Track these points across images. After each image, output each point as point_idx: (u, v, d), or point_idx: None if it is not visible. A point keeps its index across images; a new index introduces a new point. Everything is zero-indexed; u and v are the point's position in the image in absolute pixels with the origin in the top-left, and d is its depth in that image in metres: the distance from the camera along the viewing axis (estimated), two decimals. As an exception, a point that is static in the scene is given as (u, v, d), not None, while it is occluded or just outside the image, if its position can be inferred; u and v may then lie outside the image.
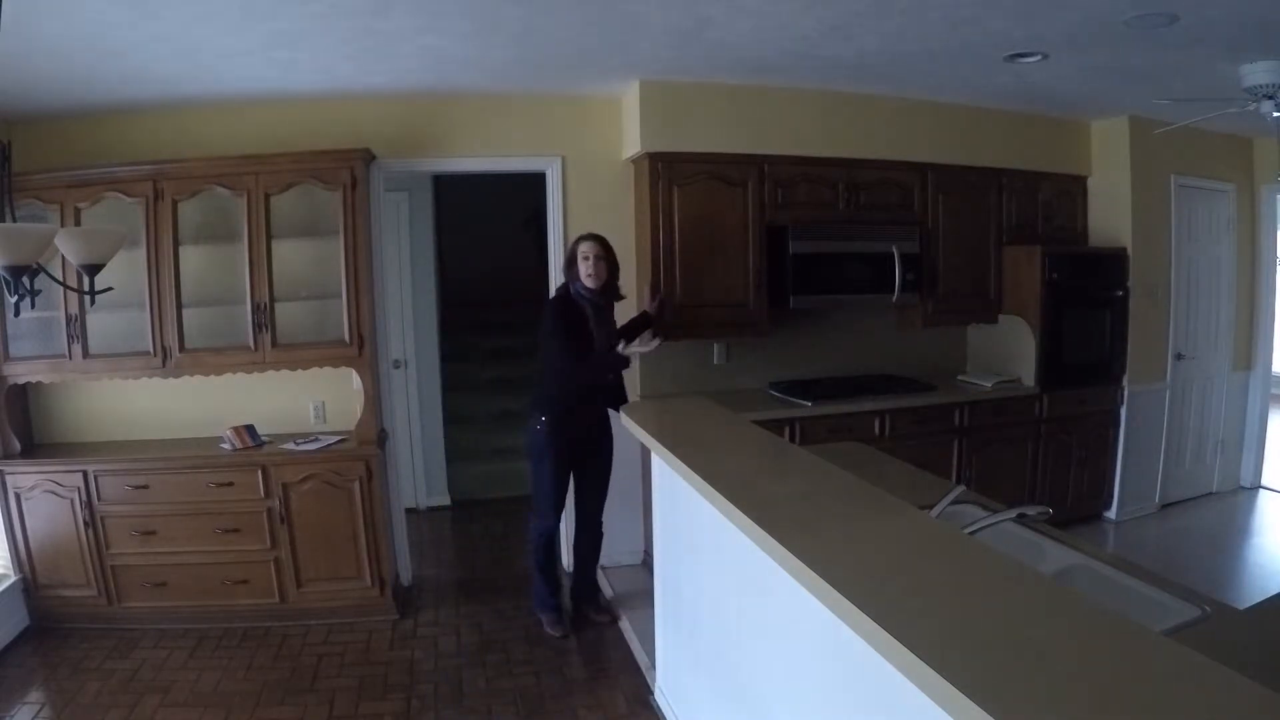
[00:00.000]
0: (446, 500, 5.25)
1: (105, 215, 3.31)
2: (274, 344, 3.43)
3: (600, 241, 3.21)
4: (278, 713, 2.82)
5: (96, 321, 3.39)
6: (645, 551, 3.99)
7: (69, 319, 3.35)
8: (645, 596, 3.16)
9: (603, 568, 3.83)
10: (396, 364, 4.63)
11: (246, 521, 3.42)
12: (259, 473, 3.40)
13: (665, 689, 2.78)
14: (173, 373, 3.46)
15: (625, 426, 2.66)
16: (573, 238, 3.35)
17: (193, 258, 3.42)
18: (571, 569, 3.67)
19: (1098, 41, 3.01)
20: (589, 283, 3.17)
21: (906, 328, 4.42)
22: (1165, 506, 4.84)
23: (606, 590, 3.78)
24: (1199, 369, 4.95)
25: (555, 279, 3.96)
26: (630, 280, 3.98)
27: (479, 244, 6.79)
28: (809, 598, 1.33)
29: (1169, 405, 4.75)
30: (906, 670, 1.04)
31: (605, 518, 3.53)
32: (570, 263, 3.24)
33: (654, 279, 3.69)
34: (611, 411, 3.34)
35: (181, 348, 3.41)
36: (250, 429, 3.55)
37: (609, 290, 3.28)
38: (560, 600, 3.49)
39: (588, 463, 3.39)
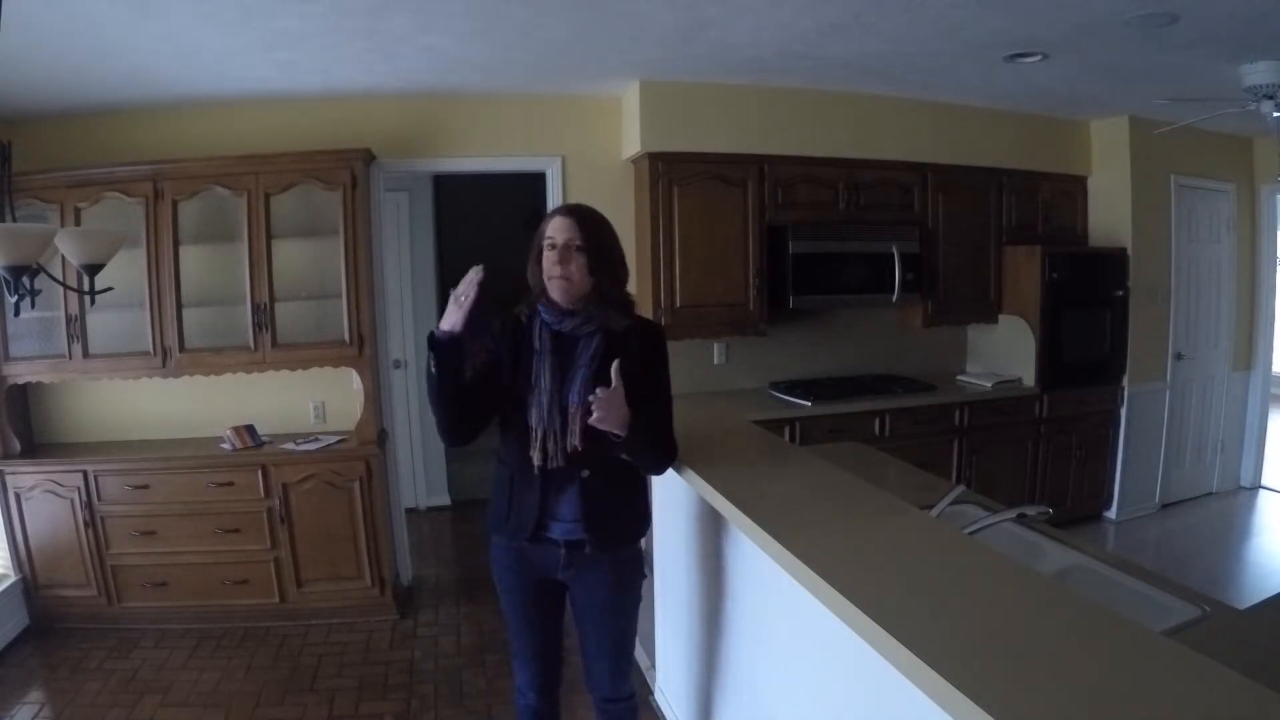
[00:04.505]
0: (446, 500, 5.24)
1: (105, 215, 3.31)
2: (274, 344, 3.43)
3: (580, 217, 1.81)
4: (278, 713, 2.82)
5: (96, 321, 3.39)
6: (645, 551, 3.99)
7: (69, 319, 3.35)
8: (645, 596, 3.15)
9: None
10: (396, 364, 4.63)
11: (246, 521, 3.41)
12: (259, 473, 3.40)
13: (665, 689, 2.78)
14: (173, 373, 3.45)
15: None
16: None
17: (193, 258, 3.42)
18: None
19: (1098, 41, 3.01)
20: (554, 289, 1.79)
21: (906, 328, 4.42)
22: (1165, 506, 4.84)
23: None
24: (1199, 369, 4.95)
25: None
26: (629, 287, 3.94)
27: (479, 244, 6.78)
28: (808, 598, 1.33)
29: (1169, 405, 4.74)
30: (906, 670, 1.04)
31: None
32: (535, 257, 1.84)
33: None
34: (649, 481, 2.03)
35: (181, 348, 3.41)
36: (250, 429, 3.55)
37: (603, 303, 1.82)
38: None
39: (576, 599, 1.98)
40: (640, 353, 1.84)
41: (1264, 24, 2.75)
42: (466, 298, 1.68)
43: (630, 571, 1.97)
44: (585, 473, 1.82)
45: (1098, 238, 4.60)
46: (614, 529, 1.90)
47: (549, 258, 1.78)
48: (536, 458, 1.80)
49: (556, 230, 1.78)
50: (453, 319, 1.70)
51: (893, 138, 4.03)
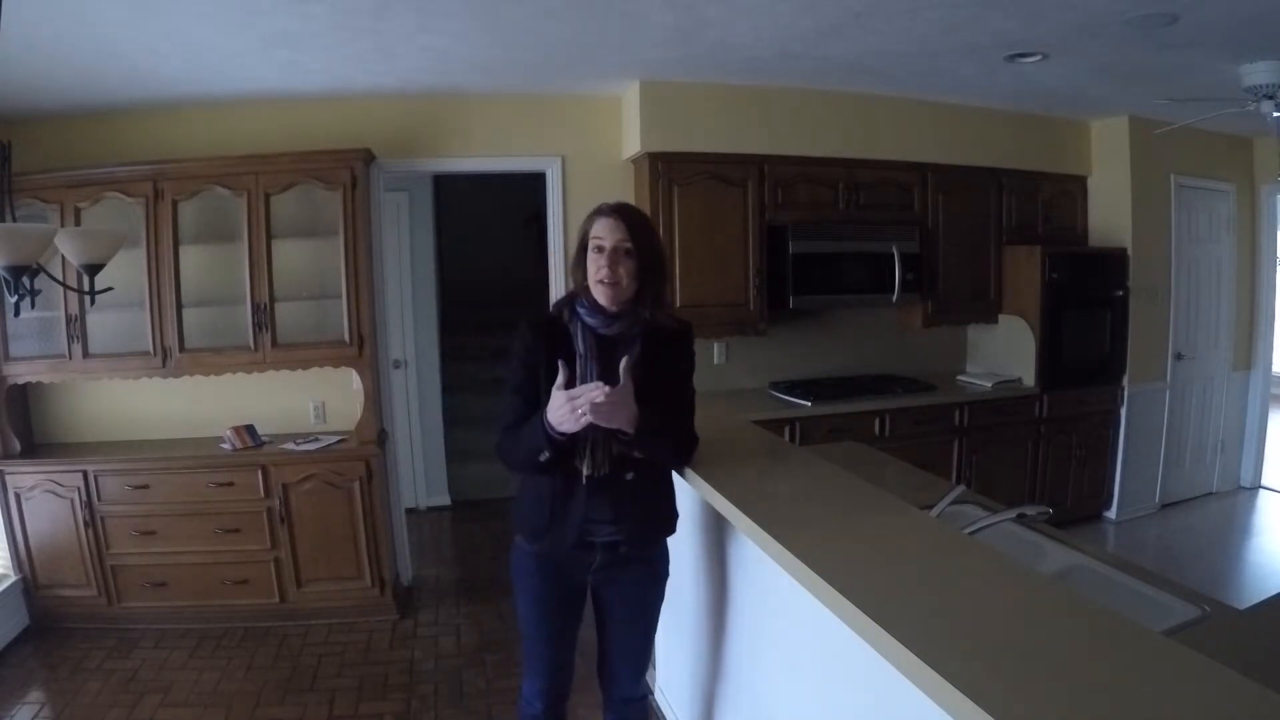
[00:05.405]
0: (446, 500, 5.24)
1: (105, 215, 3.31)
2: (274, 344, 3.43)
3: (629, 219, 1.74)
4: (278, 713, 2.82)
5: (96, 321, 3.39)
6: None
7: (69, 319, 3.35)
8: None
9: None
10: (396, 364, 4.63)
11: (246, 521, 3.41)
12: (259, 473, 3.40)
13: (665, 689, 2.78)
14: (173, 373, 3.45)
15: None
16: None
17: (193, 258, 3.42)
18: None
19: (1098, 41, 3.01)
20: (599, 294, 1.74)
21: (906, 328, 4.43)
22: (1165, 506, 4.84)
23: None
24: (1199, 369, 4.95)
25: (556, 281, 3.92)
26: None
27: (479, 244, 6.78)
28: (808, 598, 1.33)
29: (1169, 405, 4.74)
30: (906, 670, 1.04)
31: None
32: (578, 258, 1.80)
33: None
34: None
35: (181, 348, 3.41)
36: (250, 429, 3.55)
37: (643, 309, 1.78)
38: None
39: (605, 600, 1.97)
40: (676, 353, 1.83)
41: (1264, 24, 2.75)
42: (584, 413, 1.61)
43: (660, 566, 1.98)
44: (630, 475, 1.79)
45: (1098, 238, 4.60)
46: (653, 527, 1.92)
47: (595, 261, 1.73)
48: (586, 467, 1.76)
49: (605, 232, 1.72)
50: (569, 425, 1.63)
51: (892, 138, 4.03)
